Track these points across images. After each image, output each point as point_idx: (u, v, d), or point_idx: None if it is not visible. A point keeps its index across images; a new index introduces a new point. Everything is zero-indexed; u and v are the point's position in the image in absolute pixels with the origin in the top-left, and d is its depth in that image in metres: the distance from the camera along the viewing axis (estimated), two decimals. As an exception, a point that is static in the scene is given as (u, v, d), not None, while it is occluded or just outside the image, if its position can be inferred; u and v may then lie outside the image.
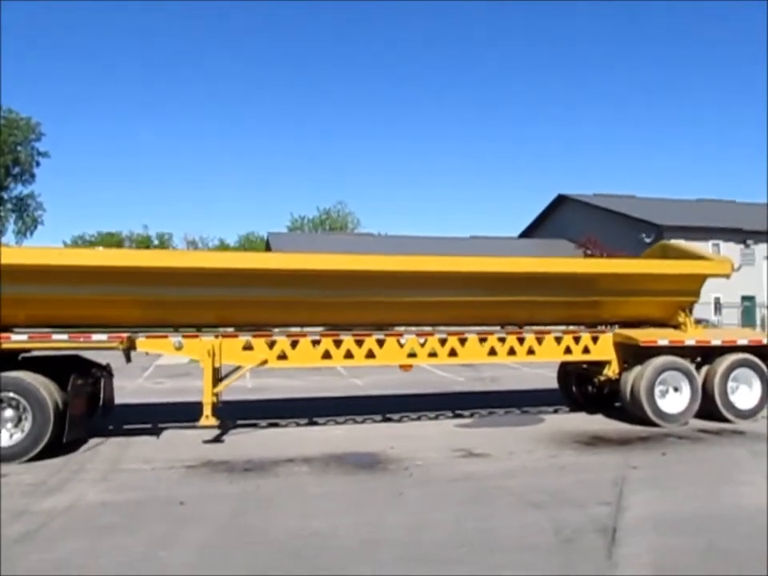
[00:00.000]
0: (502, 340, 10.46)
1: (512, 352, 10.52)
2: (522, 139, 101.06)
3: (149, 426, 10.63)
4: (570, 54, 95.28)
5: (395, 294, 9.86)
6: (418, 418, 11.38)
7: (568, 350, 10.71)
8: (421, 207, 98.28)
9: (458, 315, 10.57)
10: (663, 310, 11.13)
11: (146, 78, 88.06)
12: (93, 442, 9.53)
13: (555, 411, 12.03)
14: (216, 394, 10.28)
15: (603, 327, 11.16)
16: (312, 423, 11.03)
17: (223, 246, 50.86)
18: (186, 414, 10.40)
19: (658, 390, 10.39)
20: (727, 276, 10.83)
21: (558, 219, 38.57)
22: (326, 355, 9.85)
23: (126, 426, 10.65)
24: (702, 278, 10.99)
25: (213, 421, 9.35)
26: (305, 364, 10.08)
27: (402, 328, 10.41)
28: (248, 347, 9.64)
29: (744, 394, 10.75)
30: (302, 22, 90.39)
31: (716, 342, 10.63)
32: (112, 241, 52.65)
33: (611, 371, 10.79)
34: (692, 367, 10.43)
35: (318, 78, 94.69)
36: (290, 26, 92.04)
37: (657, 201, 36.71)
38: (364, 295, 9.75)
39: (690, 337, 10.63)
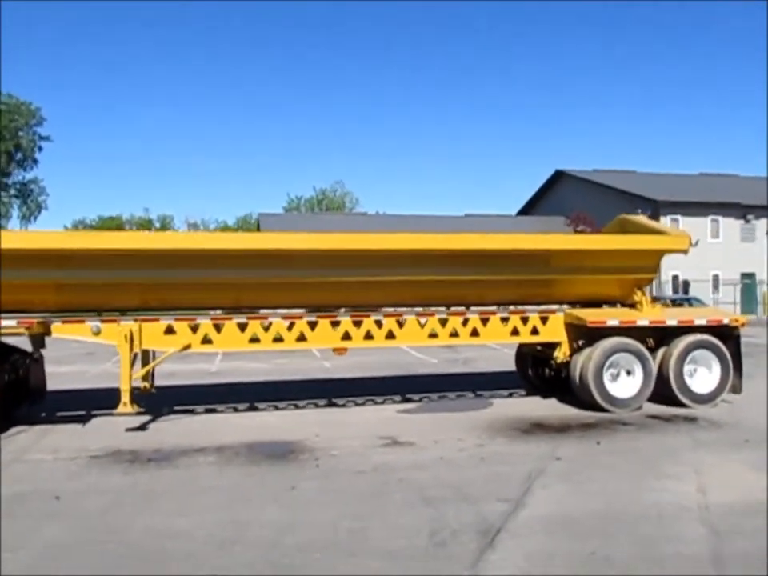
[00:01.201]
0: (443, 322, 9.93)
1: (455, 334, 9.99)
2: (523, 115, 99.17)
3: (82, 413, 10.26)
4: (565, 26, 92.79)
5: (326, 274, 9.36)
6: (363, 403, 10.92)
7: (515, 332, 10.16)
8: (422, 187, 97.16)
9: (399, 295, 10.04)
10: (619, 288, 10.52)
11: (143, 59, 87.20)
12: (14, 430, 9.19)
13: (510, 395, 11.52)
14: (147, 378, 9.97)
15: (556, 307, 10.57)
16: (252, 409, 10.62)
17: (224, 228, 50.59)
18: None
19: (608, 373, 9.83)
20: (684, 251, 10.18)
21: (556, 196, 37.62)
22: (254, 339, 9.40)
23: (60, 414, 10.29)
24: (658, 254, 10.36)
25: (131, 408, 8.96)
26: (231, 348, 9.68)
27: (343, 310, 9.90)
28: (170, 331, 9.21)
29: (703, 377, 10.15)
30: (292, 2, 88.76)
31: (671, 322, 10.01)
32: (112, 224, 52.54)
33: (561, 353, 10.23)
34: (644, 349, 9.83)
35: (316, 59, 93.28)
36: (285, 4, 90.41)
37: (657, 176, 35.54)
38: (291, 276, 9.26)
39: (643, 317, 10.02)
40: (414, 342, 10.04)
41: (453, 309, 10.18)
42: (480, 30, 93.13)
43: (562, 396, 10.79)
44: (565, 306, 10.63)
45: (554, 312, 10.28)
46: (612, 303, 10.86)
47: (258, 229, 32.75)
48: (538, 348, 10.97)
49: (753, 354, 18.36)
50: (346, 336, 9.64)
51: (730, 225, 30.86)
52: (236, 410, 10.57)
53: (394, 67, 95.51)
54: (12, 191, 61.06)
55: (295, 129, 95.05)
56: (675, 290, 27.61)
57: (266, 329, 9.42)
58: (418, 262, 9.67)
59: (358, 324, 9.65)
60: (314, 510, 5.79)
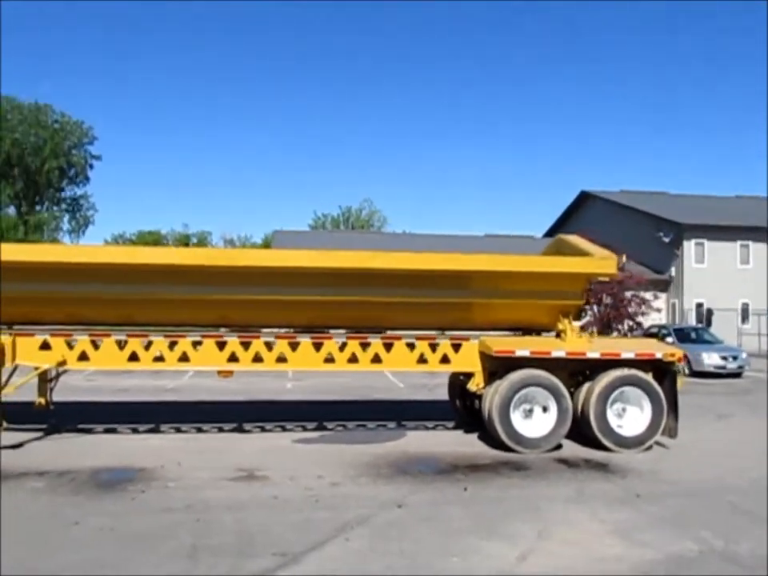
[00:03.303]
0: (342, 346, 9.19)
1: (354, 360, 9.23)
2: (549, 134, 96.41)
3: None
4: (591, 41, 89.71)
5: (207, 291, 8.79)
6: (271, 429, 10.25)
7: (422, 359, 9.32)
8: (452, 207, 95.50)
9: (292, 317, 9.37)
10: (544, 314, 9.54)
11: (181, 79, 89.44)
12: None
13: (434, 427, 10.63)
14: (44, 395, 9.63)
15: (469, 334, 9.66)
16: (153, 431, 10.11)
17: (251, 244, 50.97)
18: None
19: (521, 409, 8.86)
20: (612, 275, 9.14)
21: (582, 217, 35.90)
22: (133, 357, 8.89)
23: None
24: (583, 278, 9.33)
25: (-8, 426, 8.58)
26: (108, 366, 9.19)
27: (224, 330, 9.30)
28: (45, 346, 8.80)
29: (633, 418, 9.04)
30: (329, 17, 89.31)
31: (592, 355, 8.93)
32: (150, 239, 53.71)
33: (474, 385, 9.30)
34: (558, 383, 8.80)
35: (347, 78, 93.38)
36: (315, 21, 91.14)
37: (687, 197, 33.34)
38: (162, 292, 8.73)
39: (560, 347, 8.99)
40: (307, 366, 9.30)
41: (352, 333, 9.40)
42: (502, 50, 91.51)
43: (484, 431, 9.84)
44: (484, 334, 9.72)
45: (467, 339, 9.39)
46: (541, 331, 9.89)
47: (269, 246, 32.54)
48: (461, 377, 10.08)
49: (753, 390, 16.82)
50: (233, 358, 9.02)
51: (760, 250, 28.60)
52: (135, 431, 10.08)
53: (426, 88, 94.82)
54: (63, 206, 63.46)
55: (335, 150, 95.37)
56: (699, 320, 25.85)
57: (147, 347, 8.90)
58: (320, 280, 9.01)
59: (246, 345, 9.02)
60: (66, 549, 5.18)
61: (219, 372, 9.17)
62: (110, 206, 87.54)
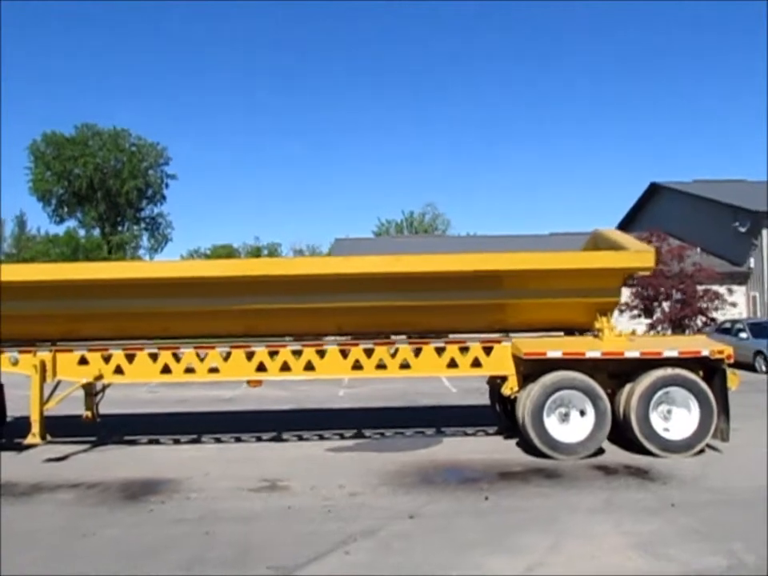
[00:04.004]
0: (369, 352, 9.06)
1: (383, 366, 9.07)
2: (614, 125, 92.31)
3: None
4: (658, 25, 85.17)
5: (231, 302, 8.86)
6: (309, 438, 10.22)
7: (453, 364, 9.05)
8: (520, 207, 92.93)
9: (320, 324, 9.31)
10: (580, 313, 9.08)
11: (244, 97, 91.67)
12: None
13: (475, 433, 10.31)
14: (91, 408, 9.96)
15: (502, 336, 9.33)
16: (194, 441, 10.27)
17: (318, 253, 51.65)
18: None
19: (557, 413, 8.47)
20: (648, 269, 8.58)
21: (652, 210, 34.14)
22: (165, 370, 9.07)
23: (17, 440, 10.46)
24: (618, 273, 8.80)
25: (38, 439, 8.92)
26: (142, 379, 9.40)
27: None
28: (83, 361, 9.10)
29: (681, 420, 8.46)
30: (389, 25, 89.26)
31: (631, 354, 8.41)
32: (224, 252, 55.31)
33: (508, 388, 8.96)
34: (595, 385, 8.33)
35: (410, 86, 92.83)
36: (376, 30, 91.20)
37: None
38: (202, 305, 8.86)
39: (596, 348, 8.50)
40: (336, 373, 9.21)
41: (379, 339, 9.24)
42: (565, 42, 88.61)
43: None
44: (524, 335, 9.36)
45: (499, 341, 9.06)
46: (579, 331, 9.44)
47: (330, 254, 32.86)
48: (498, 381, 9.73)
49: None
50: (261, 367, 9.05)
51: None
52: (177, 441, 10.28)
53: (487, 88, 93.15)
54: (142, 225, 66.39)
55: (399, 155, 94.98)
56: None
57: (178, 360, 9.06)
58: (343, 287, 8.92)
59: (273, 355, 9.04)
60: (66, 560, 5.28)
61: (249, 381, 9.22)
62: (185, 222, 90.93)
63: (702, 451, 8.53)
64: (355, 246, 32.31)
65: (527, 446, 8.82)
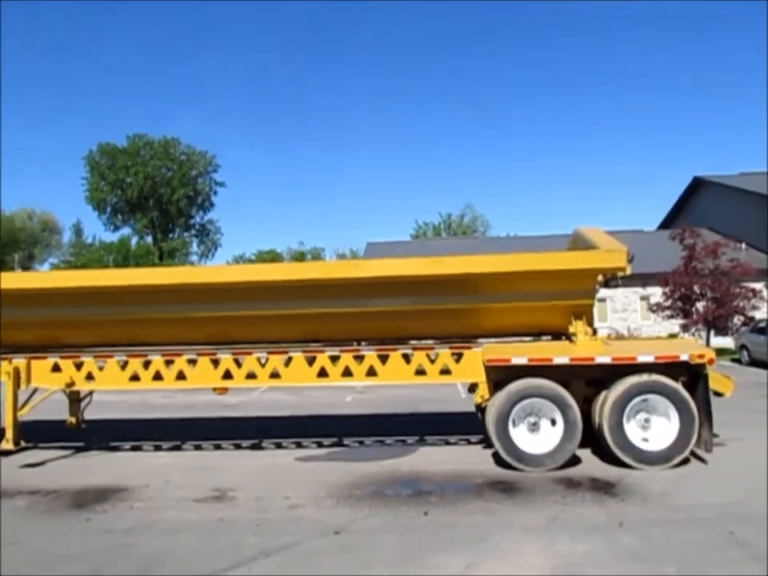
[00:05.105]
0: (334, 359, 8.85)
1: (349, 373, 8.85)
2: (659, 123, 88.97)
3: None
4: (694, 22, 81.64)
5: (196, 309, 8.80)
6: (286, 446, 10.07)
7: (421, 371, 8.75)
8: (562, 206, 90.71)
9: (285, 331, 9.15)
10: (556, 316, 8.63)
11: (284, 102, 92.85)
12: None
13: (456, 442, 9.95)
14: (75, 414, 10.07)
15: (472, 342, 8.94)
16: (175, 448, 10.27)
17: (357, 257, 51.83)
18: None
19: (526, 422, 8.05)
20: (622, 270, 8.05)
21: (696, 205, 32.59)
22: (134, 377, 9.08)
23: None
24: (589, 275, 8.29)
25: (11, 445, 9.06)
26: (113, 386, 9.42)
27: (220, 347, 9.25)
28: (56, 369, 9.21)
29: (661, 430, 7.92)
30: (432, 29, 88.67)
31: (601, 360, 7.92)
32: (268, 257, 56.07)
33: (479, 396, 8.60)
34: (564, 393, 7.88)
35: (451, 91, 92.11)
36: (413, 31, 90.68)
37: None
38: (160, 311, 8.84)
39: (564, 353, 8.04)
40: (302, 381, 9.02)
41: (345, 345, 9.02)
42: (609, 38, 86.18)
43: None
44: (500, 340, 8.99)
45: (469, 347, 8.70)
46: (556, 335, 8.99)
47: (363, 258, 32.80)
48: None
49: None
50: (227, 375, 8.96)
51: None
52: (159, 448, 10.30)
53: (525, 88, 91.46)
54: (193, 231, 67.94)
55: (437, 157, 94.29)
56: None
57: (146, 367, 9.07)
58: (304, 293, 8.74)
59: (239, 362, 8.93)
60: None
61: (215, 389, 9.15)
62: (232, 228, 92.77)
63: (685, 462, 7.97)
64: (388, 250, 32.13)
65: (498, 457, 8.44)
